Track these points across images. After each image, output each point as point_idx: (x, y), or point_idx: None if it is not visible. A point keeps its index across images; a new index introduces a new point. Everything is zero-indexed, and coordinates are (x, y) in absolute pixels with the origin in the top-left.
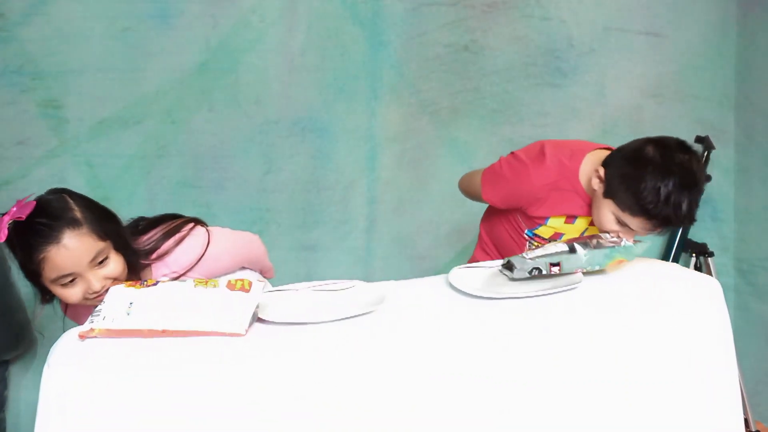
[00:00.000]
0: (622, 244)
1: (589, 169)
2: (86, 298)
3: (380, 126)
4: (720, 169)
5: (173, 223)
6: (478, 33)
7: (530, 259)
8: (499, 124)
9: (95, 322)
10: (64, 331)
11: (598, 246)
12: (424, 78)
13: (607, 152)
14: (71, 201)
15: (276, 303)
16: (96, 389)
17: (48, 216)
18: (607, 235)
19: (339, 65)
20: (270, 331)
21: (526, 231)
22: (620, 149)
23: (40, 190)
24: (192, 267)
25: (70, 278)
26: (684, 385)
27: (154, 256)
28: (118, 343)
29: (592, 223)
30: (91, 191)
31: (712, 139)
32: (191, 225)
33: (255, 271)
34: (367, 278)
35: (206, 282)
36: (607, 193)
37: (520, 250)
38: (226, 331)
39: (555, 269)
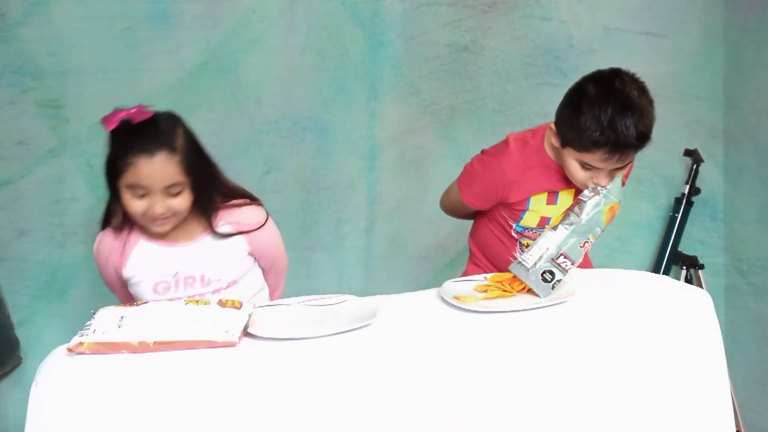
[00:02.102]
0: (601, 192)
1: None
2: (145, 216)
3: (380, 126)
4: (720, 169)
5: (247, 195)
6: (478, 33)
7: (532, 268)
8: (499, 124)
9: (85, 335)
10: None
11: (582, 209)
12: (424, 78)
13: None
14: (180, 129)
15: (268, 318)
16: (85, 406)
17: (155, 130)
18: (586, 191)
19: (339, 65)
20: (263, 346)
21: (513, 226)
22: (562, 98)
23: (40, 190)
24: (250, 231)
25: (141, 191)
26: (675, 398)
27: (228, 202)
28: (108, 359)
29: (575, 197)
30: (92, 191)
31: (712, 140)
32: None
33: (269, 287)
34: (367, 278)
35: (197, 301)
36: (563, 143)
37: (511, 253)
38: (218, 340)
39: (562, 260)
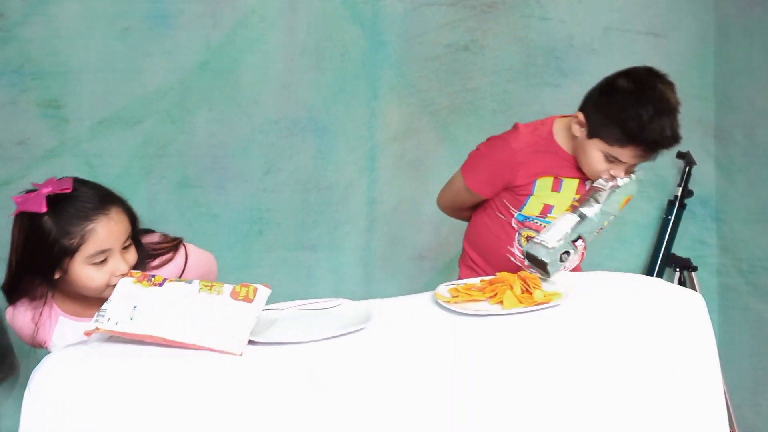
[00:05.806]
0: (620, 183)
1: (561, 127)
2: (109, 284)
3: (380, 126)
4: (721, 169)
5: (169, 244)
6: (478, 33)
7: (551, 248)
8: (499, 124)
9: (100, 321)
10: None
11: (598, 197)
12: (424, 78)
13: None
14: (90, 182)
15: (262, 323)
16: (80, 411)
17: (88, 189)
18: (600, 180)
19: (339, 65)
20: (261, 351)
21: (515, 215)
22: (593, 90)
23: None
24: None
25: (103, 257)
26: (668, 402)
27: (147, 266)
28: (101, 365)
29: (579, 189)
30: None
31: (707, 139)
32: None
33: None
34: (367, 279)
35: (211, 287)
36: (591, 134)
37: (507, 249)
38: (222, 350)
39: (579, 242)
